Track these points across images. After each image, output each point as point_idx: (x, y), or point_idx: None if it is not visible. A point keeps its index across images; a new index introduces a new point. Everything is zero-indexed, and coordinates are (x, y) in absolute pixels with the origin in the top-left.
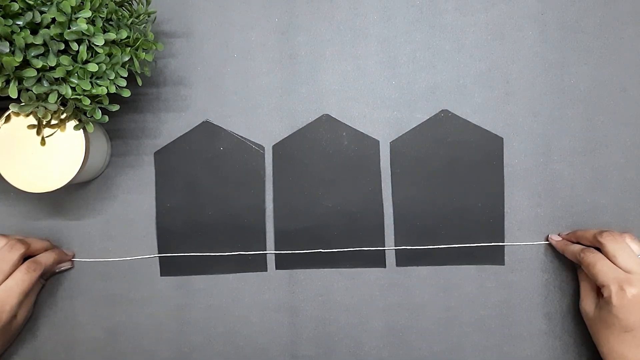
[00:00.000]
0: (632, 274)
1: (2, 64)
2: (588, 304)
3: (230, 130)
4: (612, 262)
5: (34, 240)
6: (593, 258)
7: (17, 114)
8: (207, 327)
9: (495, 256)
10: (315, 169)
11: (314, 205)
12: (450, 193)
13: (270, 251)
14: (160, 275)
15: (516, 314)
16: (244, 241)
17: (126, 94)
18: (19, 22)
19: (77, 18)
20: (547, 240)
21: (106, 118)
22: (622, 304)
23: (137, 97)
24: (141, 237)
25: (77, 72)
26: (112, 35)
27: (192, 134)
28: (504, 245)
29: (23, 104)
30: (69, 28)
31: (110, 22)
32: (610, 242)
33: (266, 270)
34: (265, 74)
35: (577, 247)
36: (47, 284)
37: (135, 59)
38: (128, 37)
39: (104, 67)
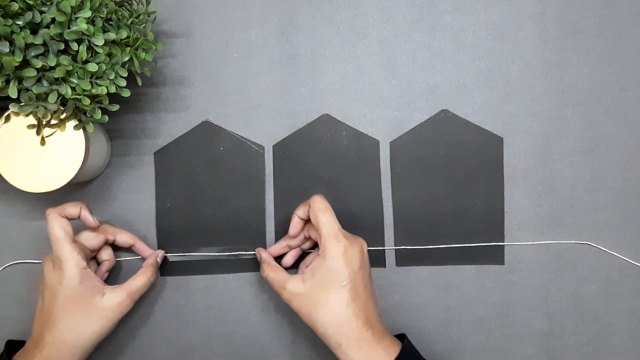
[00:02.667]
0: (342, 230)
1: (2, 64)
2: (294, 282)
3: (230, 130)
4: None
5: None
6: (324, 204)
7: (17, 114)
8: (207, 327)
9: (495, 256)
10: (315, 168)
11: None
12: (450, 193)
13: None
14: (160, 275)
15: (516, 314)
16: (244, 241)
17: (126, 94)
18: (19, 22)
19: (77, 18)
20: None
21: (106, 118)
22: (338, 256)
23: (137, 97)
24: (141, 237)
25: (77, 72)
26: (112, 35)
27: (192, 134)
28: (504, 245)
29: (23, 104)
30: (69, 28)
31: (110, 22)
32: (323, 204)
33: None
34: (265, 74)
35: (302, 206)
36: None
37: (135, 59)
38: (128, 37)
39: (104, 67)
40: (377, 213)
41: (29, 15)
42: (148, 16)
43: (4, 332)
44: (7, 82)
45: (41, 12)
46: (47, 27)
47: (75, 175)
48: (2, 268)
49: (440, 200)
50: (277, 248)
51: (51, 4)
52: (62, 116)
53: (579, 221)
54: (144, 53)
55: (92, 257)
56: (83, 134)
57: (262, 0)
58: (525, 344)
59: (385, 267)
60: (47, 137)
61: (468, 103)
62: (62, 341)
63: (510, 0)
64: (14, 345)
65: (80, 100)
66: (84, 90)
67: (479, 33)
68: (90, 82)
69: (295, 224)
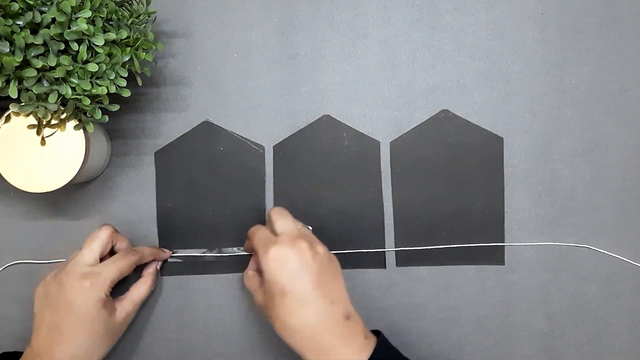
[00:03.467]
0: (281, 235)
1: (2, 64)
2: (260, 294)
3: (230, 130)
4: (272, 231)
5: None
6: (255, 228)
7: (17, 114)
8: (207, 327)
9: (495, 256)
10: (315, 169)
11: (314, 206)
12: (450, 193)
13: None
14: (160, 275)
15: (516, 314)
16: (244, 241)
17: (126, 94)
18: (19, 22)
19: (77, 18)
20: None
21: (106, 118)
22: (269, 267)
23: (137, 97)
24: (141, 237)
25: (77, 72)
26: (112, 35)
27: (192, 134)
28: (504, 245)
29: (23, 104)
30: (69, 28)
31: (110, 22)
32: (275, 213)
33: None
34: (265, 74)
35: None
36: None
37: (135, 59)
38: (128, 37)
39: (104, 67)
40: (377, 213)
41: (29, 15)
42: (148, 16)
43: (4, 332)
44: (8, 82)
45: (41, 12)
46: (48, 27)
47: (76, 175)
48: (2, 268)
49: (440, 200)
50: None
51: (51, 4)
52: (63, 116)
53: (579, 221)
54: (144, 53)
55: None
56: (83, 134)
57: (262, 0)
58: (525, 344)
59: (385, 267)
60: (47, 137)
61: (468, 103)
62: (75, 357)
63: (510, 0)
64: (7, 357)
65: (80, 100)
66: (84, 90)
67: (479, 33)
68: (91, 82)
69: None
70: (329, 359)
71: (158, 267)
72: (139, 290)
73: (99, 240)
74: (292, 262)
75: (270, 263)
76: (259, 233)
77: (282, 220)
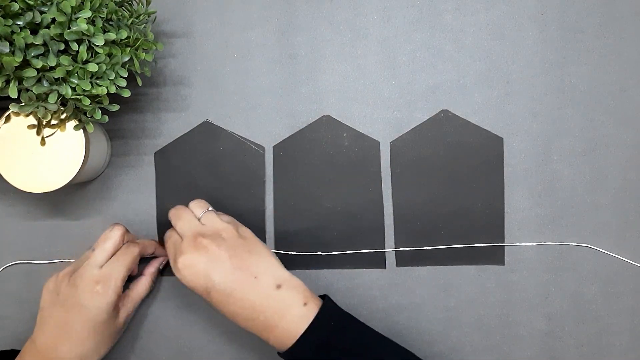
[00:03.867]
0: (183, 239)
1: (2, 64)
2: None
3: (230, 130)
4: (177, 234)
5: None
6: (167, 234)
7: (17, 114)
8: (207, 327)
9: (495, 256)
10: (315, 169)
11: (314, 206)
12: (450, 193)
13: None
14: (161, 275)
15: (516, 314)
16: None
17: (126, 94)
18: (19, 22)
19: (77, 18)
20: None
21: (106, 118)
22: (183, 277)
23: (137, 97)
24: (141, 237)
25: (77, 72)
26: (112, 36)
27: (192, 134)
28: (504, 245)
29: (23, 104)
30: (69, 28)
31: (110, 22)
32: (172, 216)
33: None
34: (265, 74)
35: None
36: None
37: (135, 59)
38: (128, 37)
39: (104, 67)
40: (377, 213)
41: (29, 16)
42: (148, 16)
43: (4, 332)
44: (7, 82)
45: (41, 12)
46: (47, 27)
47: (76, 175)
48: (2, 268)
49: (440, 201)
50: None
51: (51, 4)
52: (62, 116)
53: (579, 221)
54: (144, 53)
55: None
56: (83, 134)
57: (262, 0)
58: (525, 344)
59: (385, 267)
60: (47, 137)
61: (468, 103)
62: (81, 358)
63: (510, 0)
64: (4, 355)
65: (80, 100)
66: (84, 90)
67: (479, 33)
68: (91, 82)
69: None
70: (272, 333)
71: (160, 267)
72: (139, 289)
73: (112, 240)
74: (200, 263)
75: (182, 272)
76: (169, 241)
77: (180, 222)
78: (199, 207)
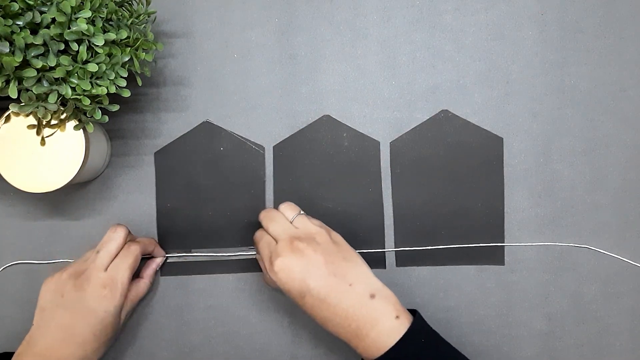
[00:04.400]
0: (279, 241)
1: (2, 64)
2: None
3: (230, 130)
4: (270, 236)
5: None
6: (258, 236)
7: (17, 114)
8: (207, 327)
9: (495, 256)
10: (315, 169)
11: (314, 206)
12: (450, 193)
13: None
14: (160, 275)
15: (516, 314)
16: (244, 241)
17: (126, 94)
18: (19, 22)
19: (77, 18)
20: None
21: (106, 118)
22: (279, 279)
23: (137, 97)
24: (142, 237)
25: (77, 72)
26: (112, 36)
27: (192, 134)
28: (504, 245)
29: (23, 104)
30: (69, 28)
31: (110, 22)
32: (264, 218)
33: None
34: (265, 74)
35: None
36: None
37: (135, 59)
38: (128, 37)
39: (104, 67)
40: (377, 213)
41: (29, 16)
42: (148, 16)
43: (4, 332)
44: (7, 82)
45: (41, 13)
46: (47, 27)
47: (76, 175)
48: (2, 268)
49: (440, 201)
50: None
51: (51, 4)
52: (62, 116)
53: (579, 221)
54: (144, 53)
55: None
56: (83, 134)
57: (262, 0)
58: (525, 344)
59: (385, 267)
60: (47, 137)
61: (468, 103)
62: (81, 359)
63: (510, 0)
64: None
65: (80, 100)
66: (84, 90)
67: (479, 33)
68: (91, 82)
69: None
70: (362, 342)
71: (157, 268)
72: (138, 291)
73: (116, 242)
74: (297, 267)
75: (279, 275)
76: (261, 242)
77: (273, 224)
78: (290, 209)
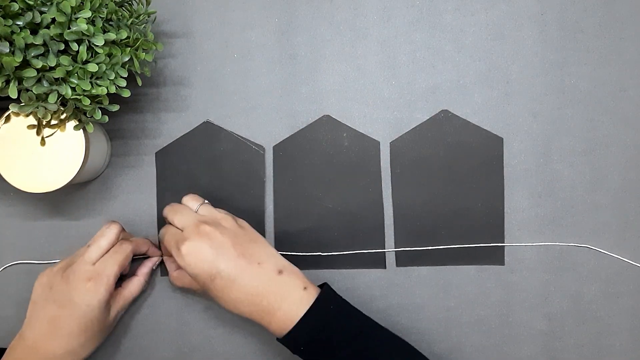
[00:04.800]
0: (185, 228)
1: (2, 64)
2: (195, 285)
3: (231, 130)
4: (176, 227)
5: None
6: (163, 231)
7: (17, 114)
8: (207, 327)
9: (495, 256)
10: (315, 169)
11: (314, 206)
12: (450, 193)
13: None
14: (161, 275)
15: (516, 314)
16: None
17: (126, 94)
18: (19, 22)
19: (77, 18)
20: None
21: (106, 118)
22: (188, 263)
23: (137, 97)
24: (141, 237)
25: (77, 72)
26: (112, 36)
27: (192, 134)
28: (504, 245)
29: (23, 104)
30: (69, 28)
31: (110, 23)
32: (168, 212)
33: None
34: (265, 74)
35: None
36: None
37: (135, 59)
38: (128, 37)
39: (103, 67)
40: (377, 213)
41: (29, 16)
42: (148, 16)
43: (4, 332)
44: (7, 82)
45: (41, 13)
46: (47, 27)
47: (76, 175)
48: (2, 268)
49: (440, 201)
50: None
51: (51, 4)
52: (62, 116)
53: (579, 221)
54: (144, 53)
55: None
56: (83, 134)
57: (262, 0)
58: (525, 345)
59: (385, 267)
60: (47, 137)
61: (468, 103)
62: (71, 353)
63: (510, 0)
64: None
65: (80, 100)
66: (84, 90)
67: (479, 33)
68: (90, 82)
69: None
70: (274, 317)
71: (154, 267)
72: (132, 288)
73: (107, 238)
74: (204, 249)
75: (186, 259)
76: (167, 235)
77: (178, 216)
78: (193, 200)
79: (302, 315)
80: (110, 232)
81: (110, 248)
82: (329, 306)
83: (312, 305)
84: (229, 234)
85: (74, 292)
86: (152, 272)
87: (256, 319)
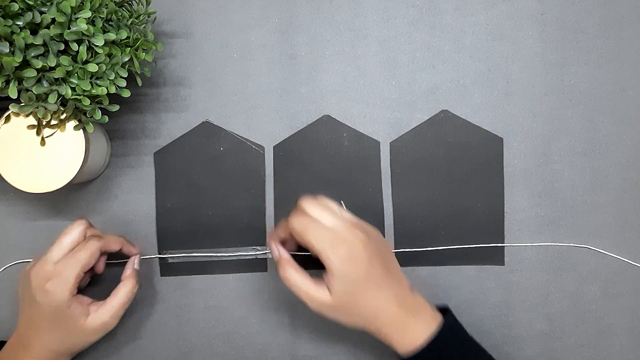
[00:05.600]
0: (337, 228)
1: (2, 64)
2: (320, 293)
3: (230, 130)
4: (322, 226)
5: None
6: (301, 223)
7: (17, 114)
8: (207, 327)
9: (495, 256)
10: (315, 169)
11: None
12: (450, 193)
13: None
14: (160, 276)
15: (516, 314)
16: (244, 241)
17: (126, 94)
18: (19, 22)
19: (77, 18)
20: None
21: (106, 118)
22: (343, 268)
23: (137, 97)
24: (141, 237)
25: (77, 73)
26: (112, 36)
27: (192, 134)
28: (504, 245)
29: (23, 104)
30: (69, 28)
31: (110, 23)
32: (315, 206)
33: (266, 271)
34: (265, 74)
35: (285, 222)
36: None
37: (135, 59)
38: (128, 38)
39: (103, 67)
40: (377, 213)
41: (29, 16)
42: (148, 16)
43: (4, 332)
44: (7, 82)
45: (41, 13)
46: (47, 27)
47: (76, 175)
48: (2, 268)
49: (440, 201)
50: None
51: (51, 4)
52: (62, 116)
53: (579, 221)
54: (144, 53)
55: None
56: (83, 135)
57: (262, 0)
58: (525, 345)
59: None
60: (47, 137)
61: (468, 103)
62: (47, 348)
63: (510, 0)
64: None
65: (80, 100)
66: (84, 90)
67: (479, 33)
68: (90, 82)
69: (274, 250)
70: (398, 334)
71: (136, 267)
72: (118, 297)
73: (70, 236)
74: (361, 256)
75: (344, 264)
76: (315, 233)
77: (328, 214)
78: (332, 202)
79: (427, 338)
80: (74, 231)
81: (74, 246)
82: (453, 337)
83: (439, 331)
84: (376, 242)
85: (35, 292)
86: (144, 271)
87: (384, 329)
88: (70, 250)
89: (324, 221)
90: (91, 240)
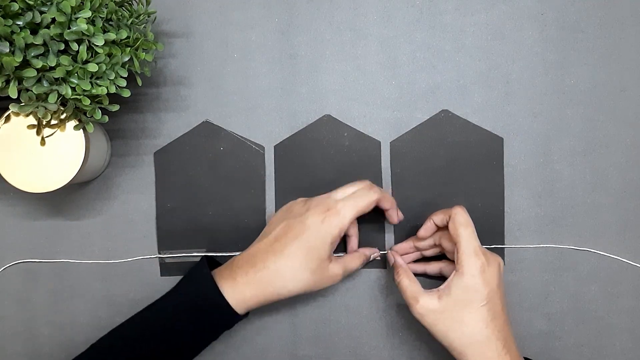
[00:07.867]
0: (481, 250)
1: (2, 64)
2: (428, 298)
3: (230, 130)
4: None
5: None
6: (468, 218)
7: (17, 114)
8: None
9: None
10: (315, 169)
11: None
12: (450, 193)
13: None
14: (160, 276)
15: (516, 314)
16: (244, 241)
17: (126, 94)
18: (19, 22)
19: (77, 18)
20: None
21: (106, 118)
22: (484, 278)
23: (137, 97)
24: (141, 237)
25: (77, 72)
26: (112, 36)
27: (192, 134)
28: (504, 247)
29: (23, 104)
30: (69, 28)
31: (110, 22)
32: (465, 214)
33: None
34: (265, 74)
35: (441, 213)
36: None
37: (135, 59)
38: (128, 37)
39: (104, 67)
40: (377, 213)
41: (29, 16)
42: (148, 16)
43: (5, 332)
44: (7, 82)
45: (41, 12)
46: (47, 27)
47: (76, 175)
48: (2, 268)
49: (440, 201)
50: (404, 247)
51: (51, 4)
52: (62, 116)
53: (579, 221)
54: (144, 53)
55: None
56: (83, 134)
57: (262, 0)
58: (525, 344)
59: (385, 267)
60: (47, 137)
61: (468, 103)
62: (280, 273)
63: (510, 0)
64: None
65: (80, 100)
66: (84, 90)
67: (479, 33)
68: (91, 82)
69: (427, 228)
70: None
71: (377, 257)
72: (352, 262)
73: (354, 186)
74: (496, 277)
75: (479, 272)
76: (470, 233)
77: (472, 230)
78: None
79: None
80: (358, 183)
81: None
82: None
83: None
84: (503, 282)
85: (308, 214)
86: (144, 272)
87: (456, 355)
88: (351, 195)
89: (474, 239)
90: (372, 190)
